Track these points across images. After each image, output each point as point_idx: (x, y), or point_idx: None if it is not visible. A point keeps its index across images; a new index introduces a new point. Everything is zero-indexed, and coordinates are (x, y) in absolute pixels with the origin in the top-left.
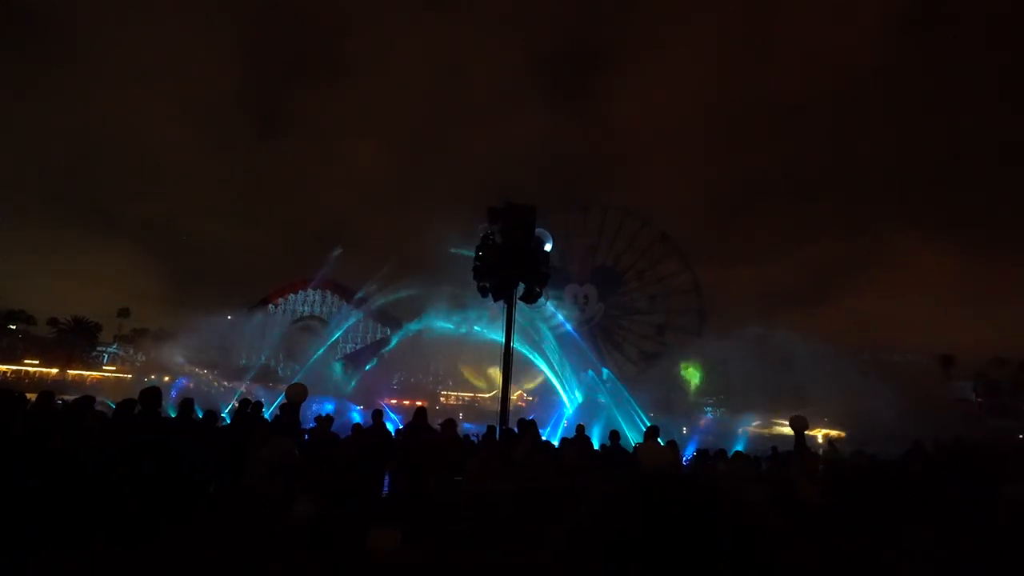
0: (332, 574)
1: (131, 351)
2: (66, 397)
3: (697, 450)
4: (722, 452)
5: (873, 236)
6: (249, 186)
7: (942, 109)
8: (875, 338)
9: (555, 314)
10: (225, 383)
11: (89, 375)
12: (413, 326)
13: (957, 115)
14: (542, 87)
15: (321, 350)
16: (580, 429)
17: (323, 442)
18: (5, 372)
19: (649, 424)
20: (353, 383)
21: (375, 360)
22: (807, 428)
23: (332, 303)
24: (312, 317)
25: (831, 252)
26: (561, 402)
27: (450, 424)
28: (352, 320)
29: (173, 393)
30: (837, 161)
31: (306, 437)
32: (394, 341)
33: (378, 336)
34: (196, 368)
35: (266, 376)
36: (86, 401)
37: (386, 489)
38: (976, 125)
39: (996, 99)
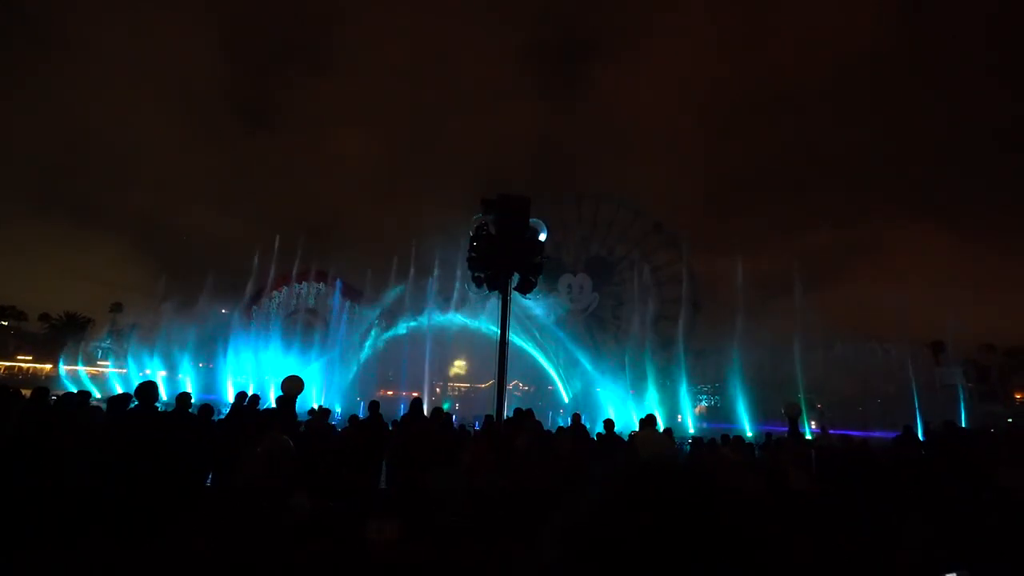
0: (329, 567)
1: (125, 346)
2: (59, 393)
3: (693, 438)
4: (715, 441)
5: (866, 224)
6: (239, 180)
7: (937, 99)
8: (867, 325)
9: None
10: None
11: (83, 371)
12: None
13: (951, 105)
14: (533, 77)
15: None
16: (576, 418)
17: (318, 435)
18: None
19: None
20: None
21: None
22: (800, 415)
23: (326, 295)
24: (305, 310)
25: (825, 241)
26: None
27: (439, 414)
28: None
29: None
30: (832, 150)
31: (302, 430)
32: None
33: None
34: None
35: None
36: (81, 397)
37: (383, 481)
38: (970, 114)
39: (991, 88)
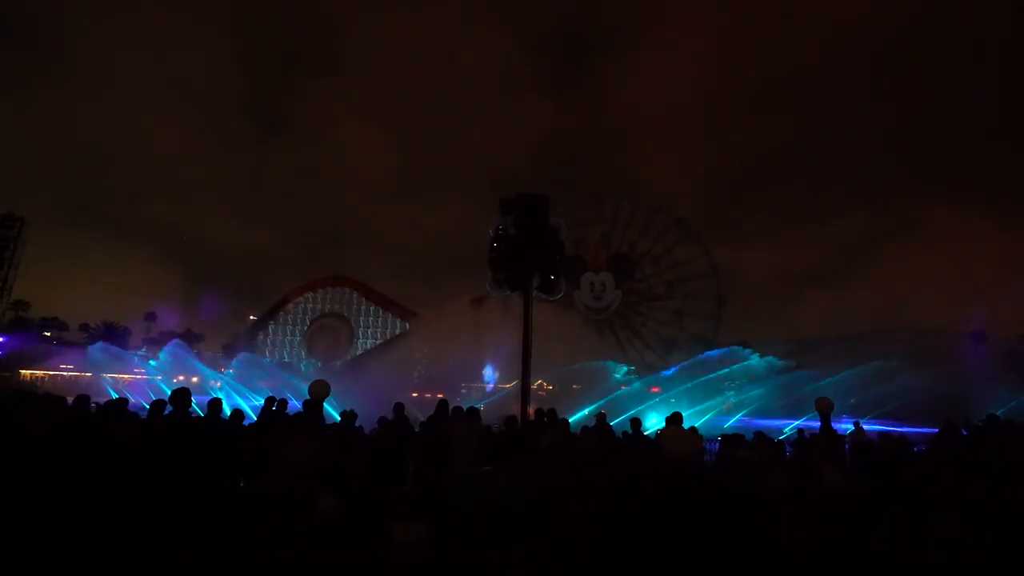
0: (356, 569)
1: (159, 353)
2: (99, 401)
3: (722, 436)
4: (743, 437)
5: (899, 211)
6: (256, 188)
7: (967, 78)
8: (904, 316)
9: None
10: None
11: (121, 377)
12: None
13: (982, 83)
14: (543, 74)
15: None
16: (601, 417)
17: (346, 437)
18: (42, 377)
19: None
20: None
21: None
22: (832, 410)
23: (351, 300)
24: (331, 315)
25: (856, 230)
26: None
27: (474, 414)
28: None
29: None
30: (860, 135)
31: (329, 433)
32: None
33: (397, 331)
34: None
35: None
36: (120, 403)
37: (409, 482)
38: (1005, 92)
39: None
